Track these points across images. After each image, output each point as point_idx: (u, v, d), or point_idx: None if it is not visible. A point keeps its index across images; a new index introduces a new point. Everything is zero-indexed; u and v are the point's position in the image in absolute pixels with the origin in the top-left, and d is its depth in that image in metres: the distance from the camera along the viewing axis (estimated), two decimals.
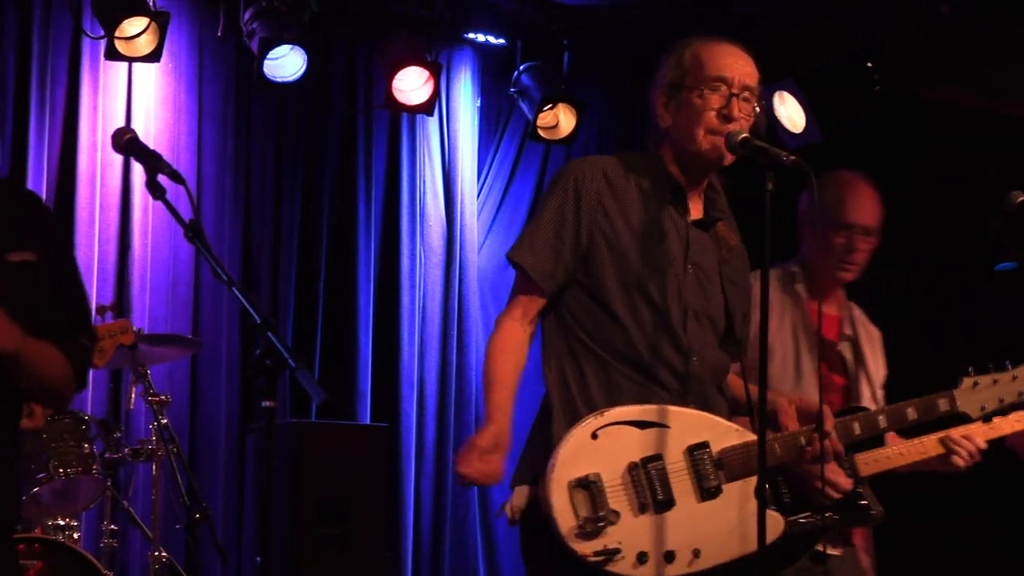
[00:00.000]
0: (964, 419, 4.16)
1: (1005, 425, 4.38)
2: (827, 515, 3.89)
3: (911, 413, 3.94)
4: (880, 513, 4.21)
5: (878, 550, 4.64)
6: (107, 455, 5.71)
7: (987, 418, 4.17)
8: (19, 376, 3.10)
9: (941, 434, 4.36)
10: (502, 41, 7.55)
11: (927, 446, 4.36)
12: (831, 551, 4.29)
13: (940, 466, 4.36)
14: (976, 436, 4.36)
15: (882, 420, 3.89)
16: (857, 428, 3.83)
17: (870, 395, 4.64)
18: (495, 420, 3.49)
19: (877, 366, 4.73)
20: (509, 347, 3.61)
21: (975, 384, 4.01)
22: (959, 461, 4.31)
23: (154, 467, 5.84)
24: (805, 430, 3.65)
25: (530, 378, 3.67)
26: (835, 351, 4.67)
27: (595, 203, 3.61)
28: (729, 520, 3.52)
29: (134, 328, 5.62)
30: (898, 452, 4.33)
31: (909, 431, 4.25)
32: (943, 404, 3.99)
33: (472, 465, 3.41)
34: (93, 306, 5.49)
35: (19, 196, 3.37)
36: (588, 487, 3.41)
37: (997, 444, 4.56)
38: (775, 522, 3.60)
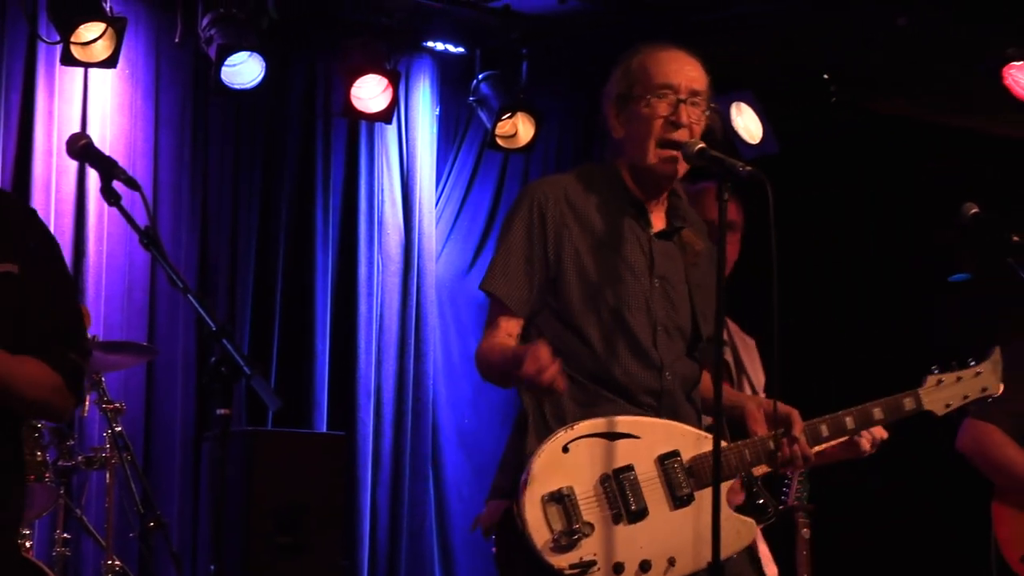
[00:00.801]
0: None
1: None
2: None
3: (877, 413, 3.97)
4: (776, 511, 4.28)
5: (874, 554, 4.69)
6: (60, 463, 5.66)
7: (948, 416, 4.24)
8: None
9: None
10: (461, 50, 7.56)
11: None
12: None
13: (847, 454, 4.41)
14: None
15: (849, 421, 3.91)
16: (825, 431, 3.84)
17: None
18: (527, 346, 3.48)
19: (756, 371, 4.83)
20: (497, 342, 3.61)
21: (939, 382, 4.06)
22: (865, 445, 4.37)
23: (108, 475, 5.80)
24: (773, 435, 3.67)
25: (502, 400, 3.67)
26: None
27: (560, 226, 3.62)
28: (702, 527, 3.53)
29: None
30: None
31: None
32: (909, 403, 4.03)
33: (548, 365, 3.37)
34: None
35: (12, 210, 3.31)
36: (561, 501, 3.43)
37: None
38: (749, 527, 3.61)
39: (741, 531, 3.60)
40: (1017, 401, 4.77)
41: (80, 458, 5.75)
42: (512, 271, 3.61)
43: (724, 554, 3.50)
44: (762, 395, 4.71)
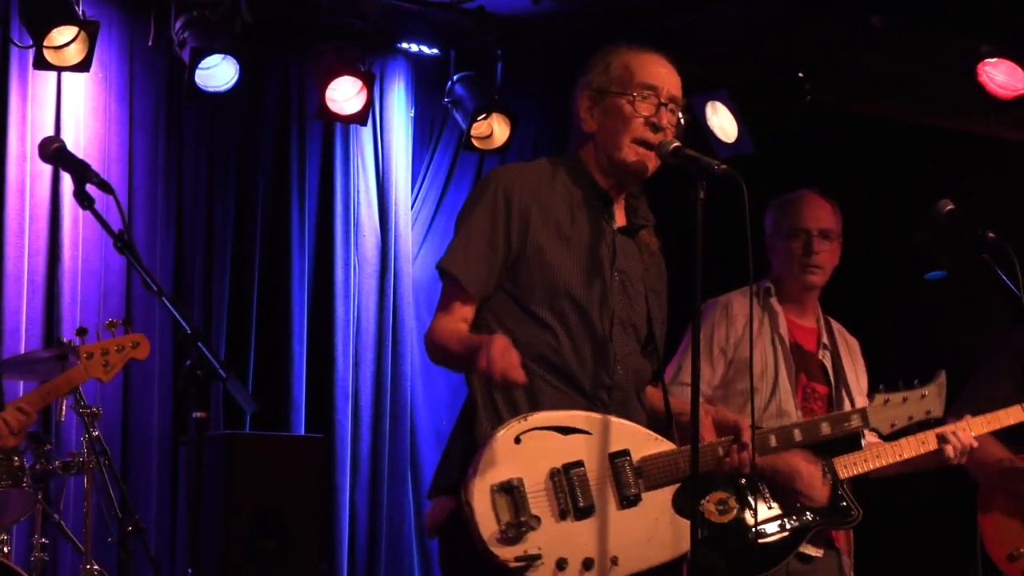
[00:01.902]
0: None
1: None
2: (808, 517, 4.03)
3: (825, 428, 4.04)
4: (860, 515, 4.42)
5: (860, 553, 4.77)
6: (37, 468, 5.65)
7: (894, 436, 4.32)
8: None
9: (920, 435, 4.56)
10: (436, 51, 7.55)
11: (904, 448, 4.57)
12: (812, 552, 4.50)
13: (936, 463, 4.55)
14: (965, 430, 4.59)
15: (798, 434, 3.97)
16: (774, 441, 3.89)
17: (850, 403, 4.77)
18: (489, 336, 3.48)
19: (858, 374, 4.92)
20: (453, 327, 3.61)
21: (886, 401, 4.15)
22: (950, 453, 4.50)
23: (85, 480, 5.78)
24: (723, 441, 3.69)
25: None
26: (815, 361, 4.82)
27: (524, 212, 3.62)
28: (647, 528, 3.54)
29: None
30: (875, 454, 4.54)
31: (891, 434, 4.38)
32: (855, 420, 4.11)
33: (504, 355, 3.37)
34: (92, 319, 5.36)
35: None
36: (510, 492, 3.41)
37: None
38: (687, 532, 3.60)
39: (682, 535, 3.58)
40: (998, 398, 4.82)
41: (57, 463, 5.72)
42: (472, 253, 3.59)
43: (666, 556, 3.53)
44: (860, 399, 4.78)
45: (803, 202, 4.88)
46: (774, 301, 4.83)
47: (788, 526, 4.43)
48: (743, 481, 4.37)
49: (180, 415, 6.85)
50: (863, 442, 4.57)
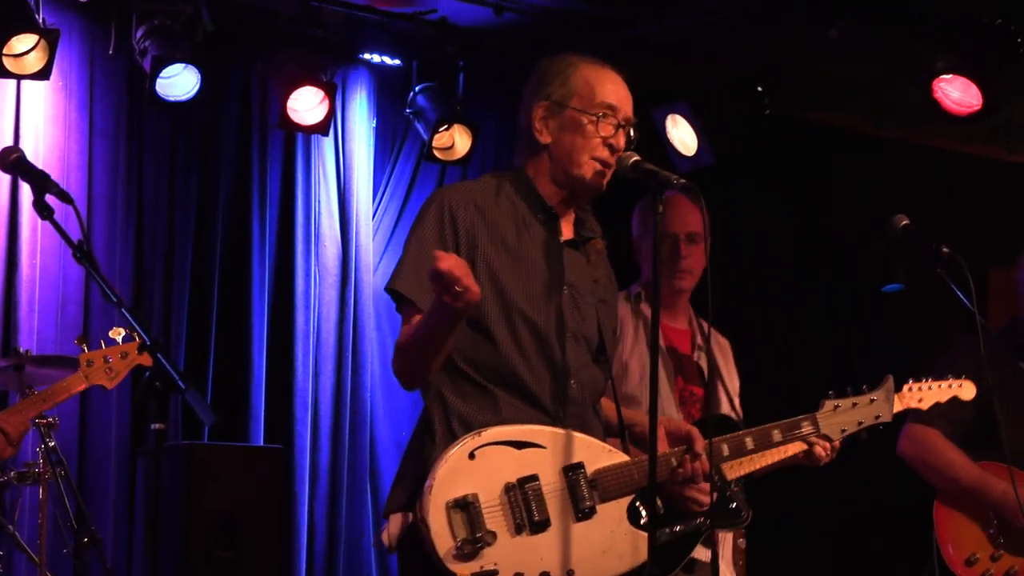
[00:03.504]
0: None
1: None
2: (699, 520, 4.02)
3: (777, 435, 4.09)
4: (749, 515, 4.40)
5: (817, 559, 4.78)
6: None
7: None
8: None
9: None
10: (397, 62, 7.55)
11: (788, 447, 4.48)
12: (699, 556, 4.39)
13: (803, 461, 4.48)
14: None
15: (750, 442, 4.01)
16: (726, 450, 3.93)
17: (728, 404, 4.81)
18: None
19: (731, 376, 4.94)
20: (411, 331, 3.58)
21: (836, 407, 4.20)
22: (821, 453, 4.42)
23: (41, 490, 5.74)
24: (676, 451, 3.71)
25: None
26: (691, 363, 4.84)
27: (471, 230, 3.62)
28: (603, 540, 3.56)
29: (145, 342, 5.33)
30: (760, 454, 4.47)
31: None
32: (807, 426, 4.15)
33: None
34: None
35: None
36: (466, 508, 3.42)
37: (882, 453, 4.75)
38: (643, 542, 3.61)
39: (639, 545, 3.60)
40: (956, 406, 4.86)
41: (12, 473, 5.69)
42: (426, 274, 3.59)
43: (624, 568, 3.55)
44: (736, 400, 4.81)
45: (669, 205, 4.76)
46: (644, 307, 4.80)
47: (679, 531, 4.32)
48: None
49: (138, 425, 6.81)
50: None
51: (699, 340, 4.88)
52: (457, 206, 3.63)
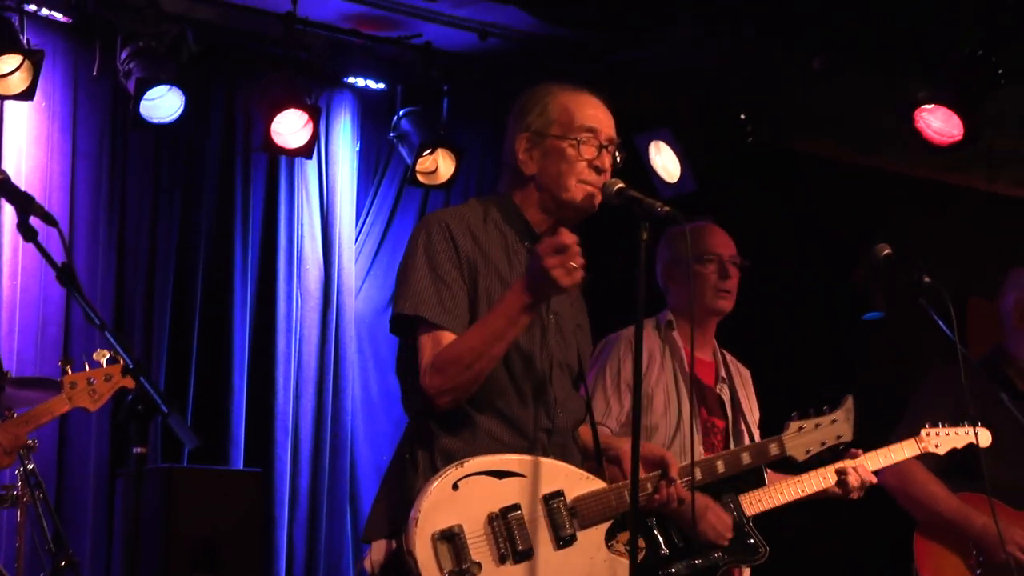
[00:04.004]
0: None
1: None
2: (717, 555, 4.05)
3: (745, 458, 4.15)
4: (767, 551, 4.45)
5: None
6: None
7: (807, 462, 4.39)
8: None
9: (821, 471, 4.63)
10: (382, 86, 7.56)
11: (805, 484, 4.59)
12: None
13: (835, 494, 4.62)
14: (863, 465, 4.66)
15: (720, 465, 4.04)
16: (699, 474, 3.94)
17: (748, 436, 4.82)
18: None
19: (752, 407, 4.96)
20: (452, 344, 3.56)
21: (800, 428, 4.25)
22: (852, 485, 4.57)
23: (19, 513, 5.71)
24: (651, 476, 3.72)
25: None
26: (714, 395, 4.85)
27: (470, 256, 3.63)
28: (583, 567, 3.58)
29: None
30: (779, 491, 4.55)
31: (790, 469, 4.44)
32: (773, 448, 4.20)
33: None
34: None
35: None
36: (451, 539, 3.44)
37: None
38: (624, 567, 3.62)
39: (617, 571, 3.62)
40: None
41: None
42: (448, 298, 3.54)
43: None
44: (756, 432, 4.84)
45: (710, 230, 4.95)
46: (675, 335, 4.84)
47: (697, 564, 4.42)
48: (652, 520, 4.36)
49: (117, 447, 6.78)
50: (765, 478, 4.61)
51: (722, 372, 4.91)
52: (455, 231, 3.64)
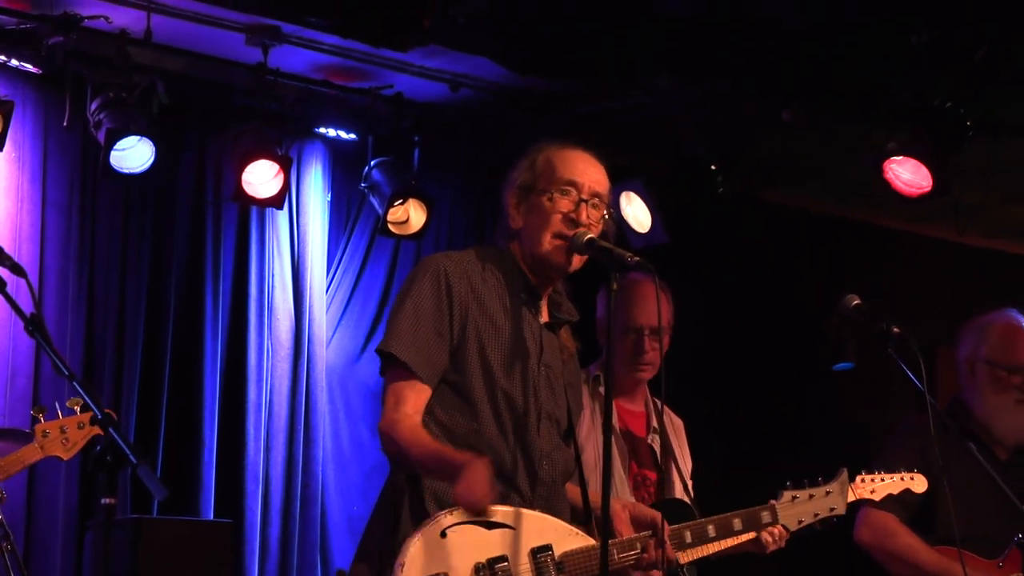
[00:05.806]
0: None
1: None
2: None
3: (737, 524, 4.17)
4: None
5: None
6: None
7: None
8: None
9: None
10: (353, 136, 7.58)
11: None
12: None
13: (751, 548, 4.50)
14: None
15: (712, 530, 4.05)
16: (689, 537, 3.96)
17: (681, 487, 4.81)
18: (466, 454, 3.47)
19: (684, 456, 4.96)
20: (419, 430, 3.57)
21: (794, 498, 4.26)
22: (768, 539, 4.43)
23: None
24: (641, 536, 3.72)
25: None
26: (645, 446, 4.85)
27: (464, 301, 3.64)
28: None
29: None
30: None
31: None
32: (766, 516, 4.22)
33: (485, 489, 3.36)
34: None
35: None
36: None
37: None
38: None
39: None
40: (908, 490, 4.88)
41: None
42: (422, 339, 3.59)
43: None
44: (689, 483, 4.82)
45: (638, 295, 4.87)
46: (602, 389, 4.80)
47: None
48: None
49: (86, 498, 6.73)
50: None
51: (653, 422, 4.90)
52: (453, 277, 3.67)
